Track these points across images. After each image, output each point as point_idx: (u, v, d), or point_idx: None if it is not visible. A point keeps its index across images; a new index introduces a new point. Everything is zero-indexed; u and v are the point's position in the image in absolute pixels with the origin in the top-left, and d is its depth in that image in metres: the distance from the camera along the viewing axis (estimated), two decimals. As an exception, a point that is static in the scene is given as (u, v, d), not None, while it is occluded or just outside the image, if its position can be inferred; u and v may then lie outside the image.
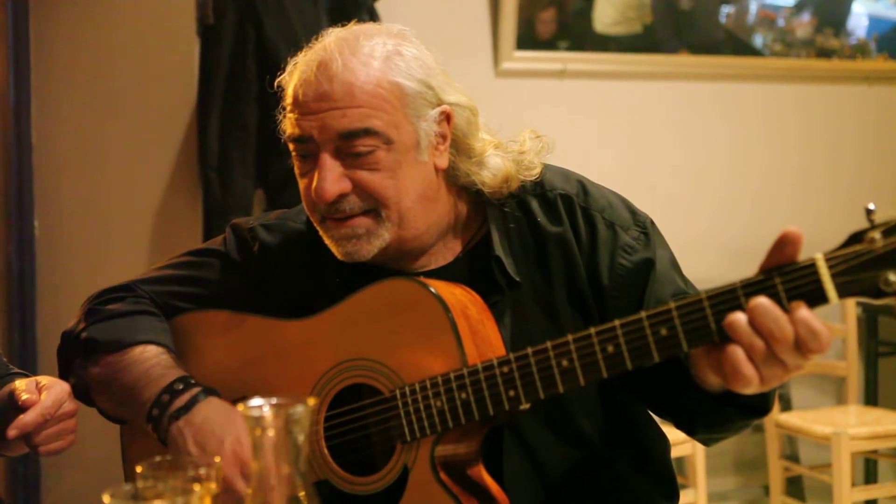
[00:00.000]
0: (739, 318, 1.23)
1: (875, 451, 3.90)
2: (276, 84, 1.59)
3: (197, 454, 1.45)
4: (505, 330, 1.53)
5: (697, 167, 4.02)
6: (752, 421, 1.48)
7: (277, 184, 3.20)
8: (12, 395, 1.53)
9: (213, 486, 1.24)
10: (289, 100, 1.52)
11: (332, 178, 1.48)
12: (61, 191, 3.30)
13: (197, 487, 1.14)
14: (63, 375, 1.67)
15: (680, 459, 3.48)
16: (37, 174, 3.28)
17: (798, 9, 4.11)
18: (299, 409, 1.09)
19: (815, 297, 1.23)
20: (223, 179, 3.20)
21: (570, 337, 1.36)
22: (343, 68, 1.48)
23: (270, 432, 1.09)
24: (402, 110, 1.50)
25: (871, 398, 4.01)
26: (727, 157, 4.08)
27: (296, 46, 3.18)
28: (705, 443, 1.63)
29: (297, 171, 1.55)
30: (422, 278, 1.51)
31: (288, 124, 1.52)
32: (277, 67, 3.07)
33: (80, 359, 1.64)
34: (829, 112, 4.19)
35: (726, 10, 4.03)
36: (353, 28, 1.55)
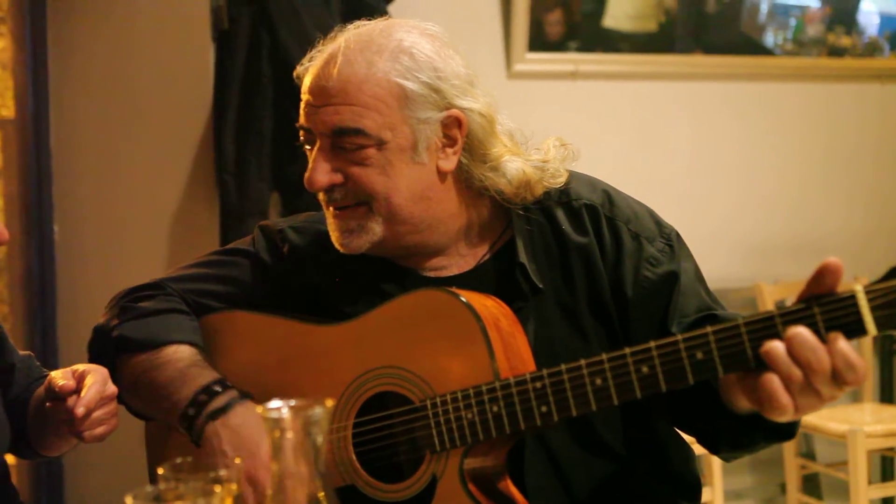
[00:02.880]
0: (777, 346, 1.22)
1: (891, 449, 3.87)
2: (294, 75, 1.61)
3: (231, 455, 1.45)
4: (528, 336, 1.53)
5: (710, 166, 4.01)
6: (775, 443, 1.48)
7: (294, 187, 3.19)
8: (49, 386, 1.54)
9: (233, 487, 1.25)
10: (303, 89, 1.55)
11: (322, 169, 1.51)
12: (80, 196, 3.31)
13: (218, 489, 1.15)
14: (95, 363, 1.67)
15: (696, 458, 3.47)
16: (56, 180, 3.29)
17: (810, 8, 4.09)
18: (318, 411, 1.10)
19: (854, 330, 1.22)
20: (239, 183, 3.21)
21: (604, 356, 1.35)
22: (345, 64, 1.50)
23: (289, 434, 1.10)
24: (400, 112, 1.50)
25: (887, 396, 3.99)
26: (740, 157, 4.06)
27: (309, 51, 3.20)
28: (726, 459, 1.62)
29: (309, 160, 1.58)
30: (454, 289, 1.50)
31: (301, 115, 1.55)
32: (292, 71, 3.09)
33: (111, 355, 1.64)
34: (841, 111, 4.17)
35: (744, 11, 4.01)
36: (377, 23, 1.57)
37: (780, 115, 4.11)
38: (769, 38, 4.06)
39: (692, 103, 4.01)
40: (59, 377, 1.54)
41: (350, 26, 1.57)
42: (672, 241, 1.60)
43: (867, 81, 4.20)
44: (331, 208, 1.55)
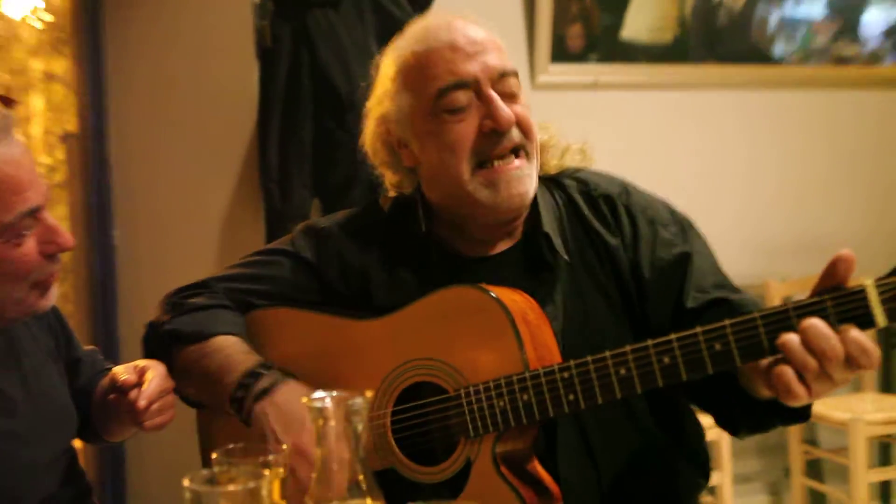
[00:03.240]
0: (792, 338, 1.23)
1: (890, 436, 3.85)
2: (410, 52, 1.57)
3: (280, 432, 1.46)
4: (557, 305, 1.54)
5: (721, 170, 4.00)
6: (792, 424, 1.49)
7: (332, 192, 3.23)
8: (113, 380, 1.57)
9: (281, 471, 1.27)
10: (442, 45, 1.52)
11: (506, 107, 1.50)
12: (137, 204, 3.35)
13: (267, 472, 1.16)
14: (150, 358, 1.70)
15: (707, 444, 3.46)
16: (115, 189, 3.33)
17: (816, 19, 4.06)
18: (358, 401, 1.12)
19: (864, 321, 1.23)
20: (283, 190, 3.23)
21: (628, 348, 1.36)
22: (476, 22, 1.55)
23: (332, 422, 1.11)
24: None
25: (886, 386, 3.96)
26: (749, 160, 4.04)
27: (346, 66, 3.24)
28: (742, 437, 1.61)
29: (444, 128, 1.53)
30: (484, 285, 1.51)
31: (437, 77, 1.51)
32: (331, 85, 3.12)
33: (164, 348, 1.66)
34: (844, 116, 4.14)
35: (754, 23, 3.99)
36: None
37: (787, 120, 4.08)
38: (778, 49, 4.03)
39: (705, 110, 4.00)
40: (122, 372, 1.57)
41: (419, 20, 1.61)
42: (685, 227, 1.62)
43: (869, 89, 4.16)
44: (493, 165, 1.53)
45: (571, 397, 1.40)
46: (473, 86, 1.51)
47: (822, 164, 4.12)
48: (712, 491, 3.49)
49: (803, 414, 1.41)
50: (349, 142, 3.18)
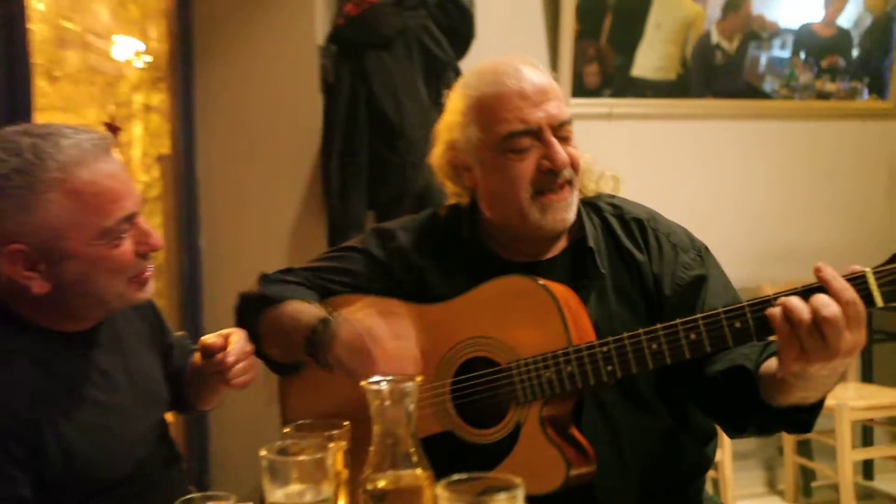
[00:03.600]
0: (798, 302, 1.23)
1: (871, 420, 3.82)
2: (476, 97, 1.57)
3: (363, 366, 1.41)
4: (591, 310, 1.53)
5: (719, 189, 3.95)
6: (795, 433, 1.48)
7: (385, 206, 3.22)
8: (203, 346, 1.58)
9: (343, 444, 1.26)
10: (511, 95, 1.51)
11: (563, 150, 1.51)
12: (219, 215, 3.37)
13: (331, 445, 1.16)
14: (240, 327, 1.69)
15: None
16: (201, 202, 3.35)
17: (799, 59, 4.02)
18: (410, 385, 1.11)
19: (864, 302, 1.23)
20: (342, 204, 3.23)
21: (659, 326, 1.36)
22: (541, 71, 1.54)
23: (388, 402, 1.10)
24: None
25: (867, 376, 3.89)
26: (742, 181, 4.00)
27: (397, 99, 3.25)
28: (733, 437, 1.60)
29: (508, 164, 1.52)
30: (533, 276, 1.51)
31: (507, 122, 1.50)
32: (383, 116, 3.12)
33: (253, 313, 1.67)
34: (829, 145, 4.09)
35: (746, 62, 3.96)
36: (509, 55, 1.59)
37: (775, 147, 4.03)
38: (767, 85, 3.99)
39: (704, 138, 3.96)
40: (210, 337, 1.58)
41: (484, 63, 1.59)
42: (702, 253, 1.61)
43: (848, 119, 4.10)
44: (546, 196, 1.52)
45: (609, 368, 1.39)
46: (537, 132, 1.50)
47: (805, 184, 4.06)
48: (715, 467, 3.45)
49: (806, 425, 1.41)
50: (399, 163, 3.18)
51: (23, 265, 1.37)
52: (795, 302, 1.23)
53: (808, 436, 3.74)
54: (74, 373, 1.46)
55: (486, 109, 1.53)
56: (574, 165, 1.54)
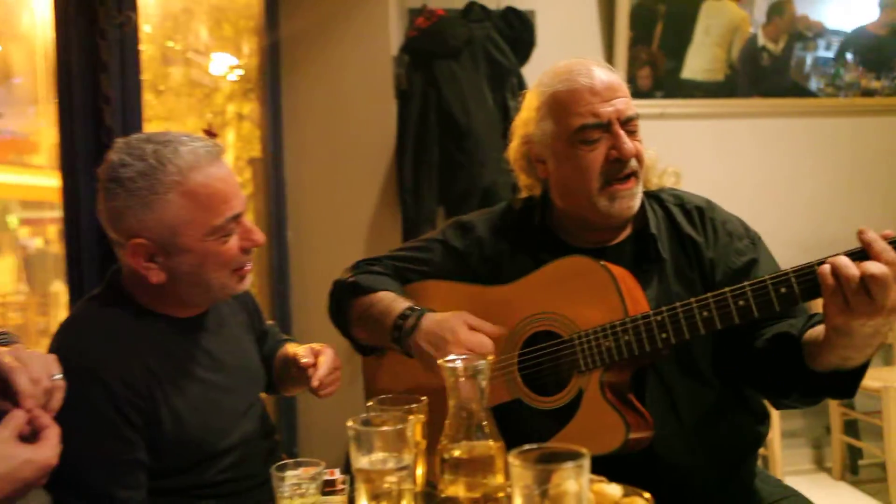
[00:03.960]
0: (846, 260, 1.24)
1: (917, 401, 3.66)
2: (520, 95, 1.64)
3: (434, 353, 1.46)
4: (652, 291, 1.52)
5: (766, 182, 3.85)
6: (838, 399, 1.45)
7: (454, 201, 3.22)
8: (295, 359, 1.61)
9: (422, 417, 1.27)
10: (583, 90, 1.51)
11: (631, 142, 1.50)
12: (305, 211, 3.40)
13: (411, 417, 1.17)
14: (333, 312, 1.74)
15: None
16: (289, 200, 3.40)
17: (846, 58, 3.88)
18: (482, 363, 1.11)
19: None
20: (415, 200, 3.24)
21: (709, 294, 1.35)
22: (608, 70, 1.54)
23: (462, 379, 1.11)
24: None
25: (913, 360, 3.75)
26: (788, 175, 3.88)
27: (464, 104, 3.24)
28: (779, 406, 1.57)
29: (579, 154, 1.52)
30: (591, 256, 1.51)
31: (580, 115, 1.50)
32: (452, 119, 3.12)
33: (345, 298, 1.70)
34: (873, 140, 3.93)
35: (792, 63, 3.84)
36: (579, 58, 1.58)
37: (822, 143, 3.91)
38: (813, 84, 3.87)
39: (752, 136, 3.86)
40: (303, 354, 1.60)
41: (559, 63, 1.58)
42: (755, 240, 1.59)
43: (892, 115, 3.94)
44: (613, 186, 1.52)
45: (664, 335, 1.38)
46: (606, 125, 1.50)
47: (849, 178, 3.92)
48: (764, 444, 3.37)
49: (849, 390, 1.36)
50: (467, 162, 3.18)
51: (143, 257, 1.41)
52: (844, 260, 1.23)
53: (856, 416, 3.62)
54: (185, 354, 1.50)
55: (560, 104, 1.53)
56: (639, 158, 1.53)
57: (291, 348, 1.69)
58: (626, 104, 1.52)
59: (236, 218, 1.45)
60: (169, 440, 1.43)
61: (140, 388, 1.40)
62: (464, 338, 1.46)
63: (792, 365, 1.39)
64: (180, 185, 1.38)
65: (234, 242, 1.46)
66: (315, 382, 1.56)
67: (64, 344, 1.40)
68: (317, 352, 1.62)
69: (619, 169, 1.51)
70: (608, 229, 1.60)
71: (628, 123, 1.51)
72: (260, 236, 1.49)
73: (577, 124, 1.50)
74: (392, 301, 1.60)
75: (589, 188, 1.52)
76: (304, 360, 1.59)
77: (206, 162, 1.41)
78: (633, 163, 1.52)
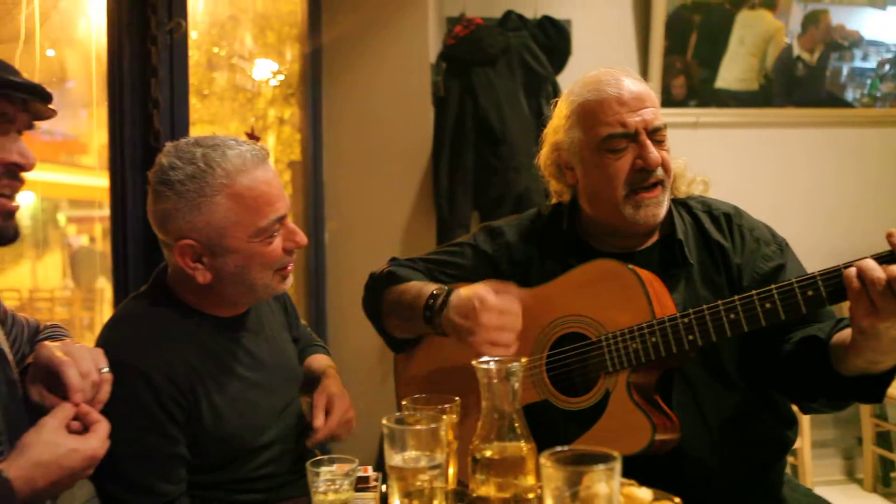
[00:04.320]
0: (872, 262, 1.24)
1: (950, 414, 3.57)
2: (552, 103, 1.65)
3: (464, 324, 1.44)
4: (679, 295, 1.52)
5: (802, 195, 3.79)
6: (865, 403, 1.42)
7: (488, 206, 3.23)
8: (309, 407, 1.62)
9: (454, 416, 1.28)
10: (610, 100, 1.52)
11: (656, 152, 1.51)
12: (342, 213, 3.42)
13: (444, 417, 1.17)
14: (368, 303, 1.75)
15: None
16: (327, 201, 3.42)
17: (884, 69, 3.81)
18: (515, 365, 1.11)
19: None
20: (450, 205, 3.25)
21: (735, 297, 1.34)
22: (637, 80, 1.54)
23: (495, 380, 1.11)
24: None
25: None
26: (825, 187, 3.82)
27: (500, 110, 3.24)
28: (807, 411, 1.55)
29: (605, 162, 1.53)
30: (619, 260, 1.50)
31: (607, 124, 1.51)
32: (488, 125, 3.12)
33: (381, 288, 1.71)
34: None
35: (827, 73, 3.78)
36: (611, 68, 1.59)
37: (856, 153, 3.84)
38: (849, 94, 3.80)
39: (786, 145, 3.81)
40: (318, 407, 1.59)
41: (589, 73, 1.59)
42: (783, 246, 1.57)
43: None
44: (638, 194, 1.52)
45: (691, 337, 1.38)
46: (633, 134, 1.50)
47: (884, 185, 3.84)
48: (794, 453, 3.31)
49: (877, 394, 1.34)
50: (501, 168, 3.18)
51: (190, 257, 1.43)
52: (870, 263, 1.23)
53: (888, 427, 3.54)
54: (226, 352, 1.52)
55: (589, 114, 1.54)
56: (665, 168, 1.52)
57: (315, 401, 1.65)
58: (654, 114, 1.51)
59: (281, 219, 1.46)
60: (208, 436, 1.44)
61: (182, 385, 1.42)
62: (492, 302, 1.43)
63: (819, 369, 1.38)
64: (228, 187, 1.40)
65: (277, 243, 1.47)
66: (318, 437, 1.57)
67: (109, 340, 1.43)
68: (332, 400, 1.62)
69: (645, 178, 1.51)
70: (635, 235, 1.60)
71: (656, 133, 1.51)
72: (303, 237, 1.50)
73: (604, 133, 1.51)
74: (422, 286, 1.61)
75: (615, 196, 1.53)
76: (316, 423, 1.58)
77: (253, 165, 1.43)
78: (660, 172, 1.52)
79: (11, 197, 1.19)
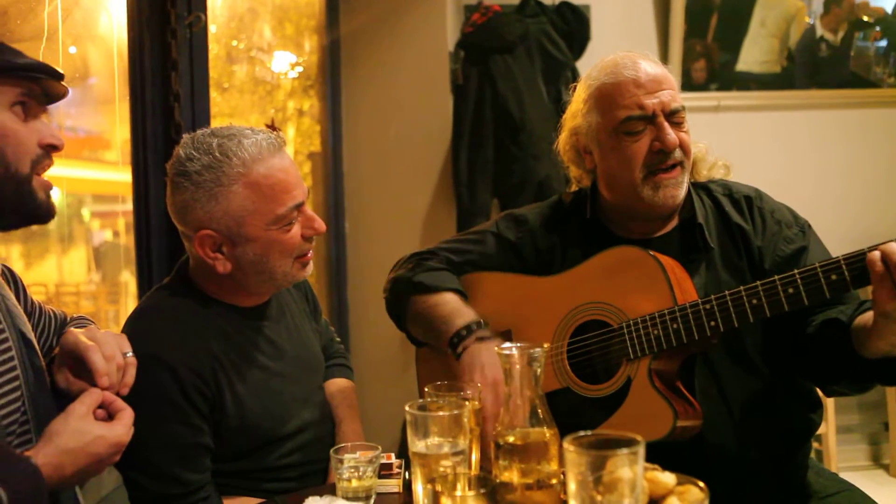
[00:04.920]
0: (876, 252, 1.23)
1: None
2: (570, 88, 1.64)
3: (477, 374, 1.46)
4: (700, 280, 1.51)
5: (826, 177, 3.74)
6: (887, 385, 1.41)
7: (508, 194, 3.22)
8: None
9: (476, 403, 1.28)
10: (627, 83, 1.51)
11: (673, 134, 1.50)
12: (362, 203, 3.43)
13: (467, 404, 1.18)
14: (391, 305, 1.72)
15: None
16: (347, 192, 3.43)
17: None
18: (537, 351, 1.11)
19: None
20: (470, 193, 3.24)
21: (758, 283, 1.33)
22: (655, 63, 1.54)
23: (517, 366, 1.11)
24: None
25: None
26: (850, 169, 3.76)
27: (519, 98, 3.22)
28: (830, 394, 1.53)
29: (623, 145, 1.52)
30: (640, 246, 1.50)
31: (624, 109, 1.51)
32: (507, 113, 3.11)
33: (404, 296, 1.68)
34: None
35: (852, 53, 3.72)
36: (630, 50, 1.58)
37: (883, 133, 3.76)
38: (875, 74, 3.74)
39: (810, 127, 3.75)
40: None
41: (607, 57, 1.58)
42: (804, 228, 1.55)
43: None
44: (657, 175, 1.52)
45: (713, 323, 1.37)
46: (650, 116, 1.50)
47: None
48: (818, 439, 3.28)
49: None
50: (521, 156, 3.17)
51: (210, 248, 1.44)
52: (894, 246, 1.21)
53: (915, 412, 3.50)
54: (248, 342, 1.52)
55: (606, 97, 1.53)
56: (685, 149, 1.52)
57: None
58: (672, 96, 1.50)
59: (298, 207, 1.47)
60: (232, 425, 1.45)
61: (206, 374, 1.43)
62: (489, 388, 1.43)
63: (841, 352, 1.36)
64: (244, 176, 1.41)
65: (296, 231, 1.48)
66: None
67: (134, 331, 1.43)
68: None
69: (662, 160, 1.50)
70: (655, 220, 1.58)
71: (674, 115, 1.50)
72: (321, 225, 1.50)
73: (622, 116, 1.51)
74: (458, 308, 1.58)
75: (633, 178, 1.52)
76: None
77: (269, 154, 1.43)
78: (678, 153, 1.51)
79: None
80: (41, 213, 1.22)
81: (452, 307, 1.59)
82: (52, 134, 1.21)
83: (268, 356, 1.54)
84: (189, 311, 1.48)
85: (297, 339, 1.64)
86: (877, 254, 1.22)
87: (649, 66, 1.52)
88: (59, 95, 1.26)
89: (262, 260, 1.46)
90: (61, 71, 1.23)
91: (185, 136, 1.47)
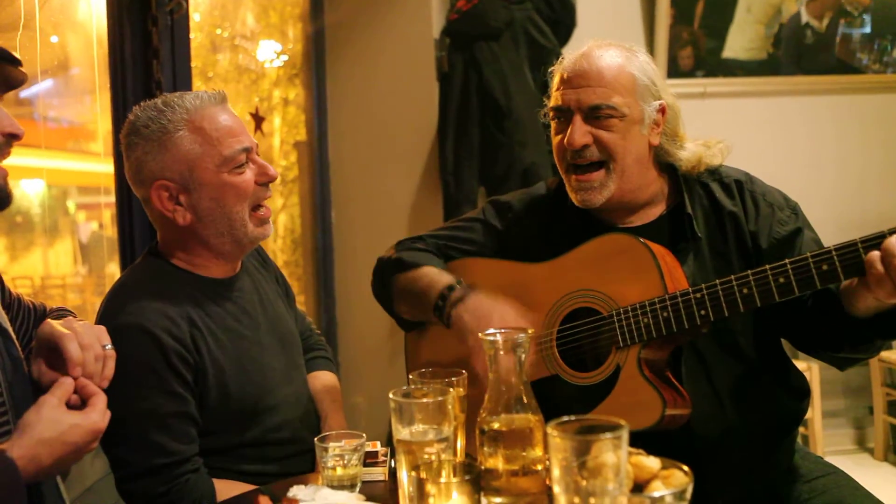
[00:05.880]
0: (876, 253, 1.23)
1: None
2: (546, 72, 1.64)
3: (473, 329, 1.45)
4: (688, 269, 1.50)
5: (813, 163, 3.75)
6: (887, 342, 1.40)
7: (494, 182, 3.20)
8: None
9: (461, 391, 1.27)
10: (555, 82, 1.55)
11: (580, 132, 1.49)
12: (348, 192, 3.42)
13: (451, 391, 1.17)
14: (377, 287, 1.76)
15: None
16: (333, 181, 3.42)
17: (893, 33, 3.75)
18: (522, 336, 1.10)
19: None
20: (456, 180, 3.22)
21: (749, 272, 1.32)
22: (597, 58, 1.51)
23: (502, 352, 1.10)
24: (633, 94, 1.49)
25: (957, 340, 3.63)
26: (837, 155, 3.78)
27: (505, 85, 3.20)
28: (842, 364, 1.52)
29: (553, 133, 1.56)
30: (631, 233, 1.49)
31: (553, 100, 1.55)
32: (493, 100, 3.09)
33: (388, 274, 1.71)
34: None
35: (837, 39, 3.73)
36: (603, 41, 1.56)
37: (868, 119, 3.78)
38: (859, 60, 3.75)
39: (797, 114, 3.76)
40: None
41: (585, 44, 1.57)
42: (796, 210, 1.56)
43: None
44: (572, 174, 1.54)
45: (703, 313, 1.36)
46: (566, 112, 1.51)
47: (888, 152, 3.79)
48: (805, 423, 3.30)
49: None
50: (507, 143, 3.15)
51: (168, 199, 1.48)
52: (893, 246, 1.21)
53: (899, 396, 3.53)
54: (223, 310, 1.54)
55: (551, 85, 1.56)
56: (605, 149, 1.49)
57: None
58: (598, 94, 1.47)
59: (247, 151, 1.51)
60: (213, 398, 1.46)
61: (187, 342, 1.44)
62: (511, 322, 1.44)
63: (834, 317, 1.37)
64: (189, 122, 1.47)
65: (249, 175, 1.51)
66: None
67: (112, 306, 1.45)
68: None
69: (574, 156, 1.50)
70: (625, 210, 1.58)
71: (595, 112, 1.48)
72: (273, 171, 1.54)
73: (551, 105, 1.54)
74: (437, 274, 1.61)
75: (561, 169, 1.56)
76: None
77: (211, 103, 1.50)
78: (593, 152, 1.49)
79: None
80: None
81: (432, 277, 1.60)
82: (12, 123, 1.21)
83: (243, 325, 1.56)
84: (163, 283, 1.50)
85: (273, 313, 1.65)
86: (876, 254, 1.22)
87: (588, 61, 1.50)
88: (18, 82, 1.24)
89: (218, 206, 1.49)
90: (18, 56, 1.20)
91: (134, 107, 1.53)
